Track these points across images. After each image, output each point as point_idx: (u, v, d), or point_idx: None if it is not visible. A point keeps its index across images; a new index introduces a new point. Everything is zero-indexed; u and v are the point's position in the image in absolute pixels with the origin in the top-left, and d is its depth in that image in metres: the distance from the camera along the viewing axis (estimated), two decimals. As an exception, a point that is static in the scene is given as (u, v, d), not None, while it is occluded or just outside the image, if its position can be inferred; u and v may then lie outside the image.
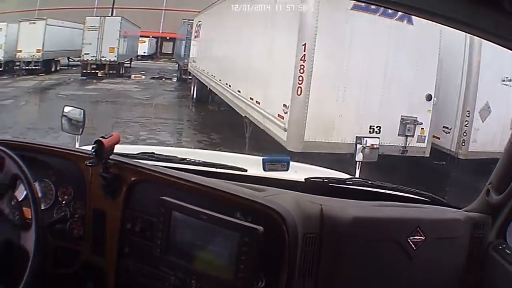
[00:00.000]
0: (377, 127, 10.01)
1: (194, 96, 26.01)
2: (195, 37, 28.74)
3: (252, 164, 3.21)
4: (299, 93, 9.65)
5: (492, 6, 1.38)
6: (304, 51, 9.56)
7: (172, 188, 2.45)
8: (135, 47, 46.50)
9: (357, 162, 3.83)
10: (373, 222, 2.50)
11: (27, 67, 34.35)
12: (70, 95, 24.91)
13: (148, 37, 54.70)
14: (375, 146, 3.75)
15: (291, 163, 3.17)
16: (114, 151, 2.58)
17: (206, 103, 24.11)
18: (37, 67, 34.41)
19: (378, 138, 3.90)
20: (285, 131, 9.99)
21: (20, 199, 2.58)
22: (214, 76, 19.74)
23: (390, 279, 2.51)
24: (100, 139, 2.45)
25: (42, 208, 2.57)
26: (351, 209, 2.50)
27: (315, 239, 2.34)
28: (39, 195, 2.56)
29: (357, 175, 3.73)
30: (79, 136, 3.57)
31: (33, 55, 34.27)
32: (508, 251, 2.62)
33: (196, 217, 2.21)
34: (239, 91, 14.38)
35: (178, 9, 47.76)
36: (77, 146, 3.43)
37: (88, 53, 34.99)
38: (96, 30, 35.14)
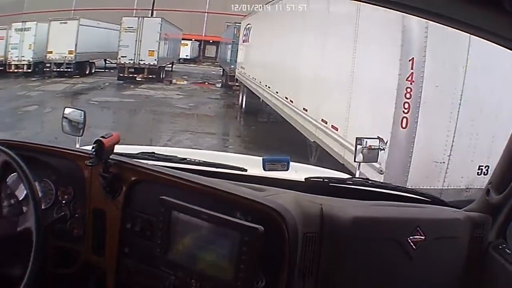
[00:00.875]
0: (485, 167, 7.36)
1: (243, 106, 23.41)
2: (243, 41, 25.88)
3: (252, 164, 3.22)
4: (404, 126, 7.12)
5: (492, 6, 1.37)
6: (412, 69, 6.98)
7: (172, 188, 2.46)
8: (176, 50, 44.46)
9: (357, 163, 3.82)
10: (373, 222, 2.50)
11: (58, 69, 32.62)
12: (103, 102, 22.95)
13: (191, 40, 53.43)
14: (373, 147, 3.76)
15: (291, 163, 3.17)
16: (114, 151, 2.58)
17: (257, 114, 20.93)
18: (69, 69, 32.61)
19: (377, 139, 3.87)
20: (381, 173, 7.35)
21: (21, 198, 2.62)
22: (268, 87, 16.90)
23: (390, 278, 2.51)
24: (100, 139, 2.46)
25: (42, 208, 2.58)
26: (351, 208, 2.50)
27: (315, 239, 2.34)
28: (39, 195, 2.57)
29: (357, 175, 3.71)
30: (79, 137, 3.59)
31: (65, 57, 32.39)
32: (508, 251, 2.61)
33: (196, 216, 2.21)
34: (305, 110, 11.52)
35: (222, 12, 44.94)
36: (77, 146, 3.41)
37: (125, 56, 32.82)
38: (133, 32, 32.88)
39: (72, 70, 32.73)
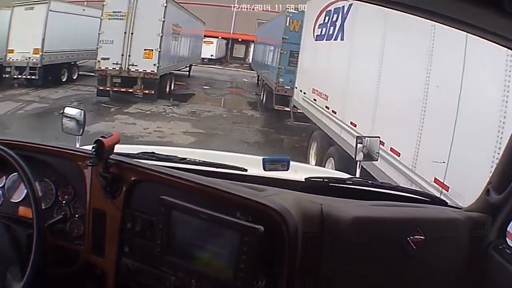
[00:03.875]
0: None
1: None
2: (317, 38, 13.39)
3: (252, 164, 3.22)
4: None
5: (492, 6, 1.37)
6: None
7: (172, 188, 2.46)
8: (196, 50, 33.81)
9: (357, 162, 3.84)
10: (373, 222, 2.50)
11: (20, 76, 22.47)
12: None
13: (217, 37, 47.42)
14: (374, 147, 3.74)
15: (291, 163, 3.17)
16: (114, 150, 2.58)
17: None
18: (33, 77, 22.35)
19: (379, 137, 3.85)
20: None
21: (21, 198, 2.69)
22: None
23: (390, 278, 2.51)
24: (100, 138, 2.45)
25: (43, 207, 2.59)
26: (351, 208, 2.50)
27: (315, 239, 2.34)
28: (40, 194, 2.58)
29: (357, 175, 3.73)
30: (79, 136, 3.60)
31: (29, 58, 22.16)
32: (508, 251, 2.62)
33: (196, 216, 2.22)
34: None
35: (252, 7, 38.01)
36: (77, 146, 3.42)
37: (107, 58, 20.94)
38: (121, 19, 20.87)
39: (36, 78, 22.49)
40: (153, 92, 21.59)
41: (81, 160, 2.68)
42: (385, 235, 2.49)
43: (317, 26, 13.57)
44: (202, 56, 40.27)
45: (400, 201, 2.87)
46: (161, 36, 21.40)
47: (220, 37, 48.59)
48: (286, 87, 18.94)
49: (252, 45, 39.61)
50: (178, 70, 28.32)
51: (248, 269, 2.12)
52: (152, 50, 21.27)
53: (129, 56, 21.06)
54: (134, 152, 3.03)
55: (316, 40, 13.76)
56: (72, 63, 25.83)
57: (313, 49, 14.26)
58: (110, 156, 2.57)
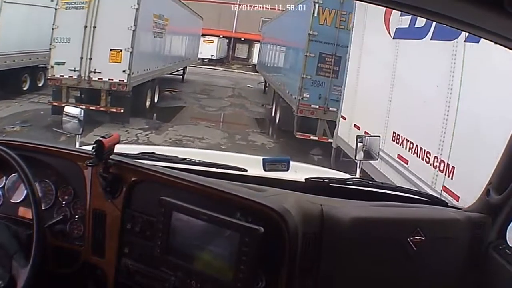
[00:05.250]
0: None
1: None
2: (402, 35, 7.45)
3: (252, 164, 3.21)
4: None
5: (492, 6, 1.36)
6: None
7: (172, 188, 2.46)
8: (192, 49, 28.13)
9: (358, 162, 3.84)
10: (373, 222, 2.50)
11: None
12: None
13: (218, 36, 44.37)
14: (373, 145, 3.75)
15: (292, 163, 3.16)
16: (114, 151, 2.58)
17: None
18: None
19: (379, 136, 3.85)
20: None
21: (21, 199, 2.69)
22: None
23: (390, 279, 2.51)
24: (100, 139, 2.45)
25: (43, 208, 2.58)
26: (351, 209, 2.50)
27: (315, 239, 2.34)
28: (40, 195, 2.58)
29: (357, 175, 3.73)
30: (79, 136, 3.60)
31: None
32: (508, 251, 2.61)
33: (196, 217, 2.22)
34: None
35: (253, 6, 35.70)
36: (77, 146, 3.44)
37: (62, 62, 15.05)
38: (82, 8, 15.00)
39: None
40: (122, 111, 15.48)
41: (81, 160, 2.68)
42: (385, 236, 2.49)
43: (398, 12, 7.42)
44: (201, 56, 36.86)
45: (400, 201, 2.86)
46: (134, 31, 15.11)
47: (221, 36, 45.73)
48: (313, 106, 13.66)
49: (257, 45, 36.55)
50: (171, 74, 23.83)
51: (248, 270, 2.12)
52: (121, 50, 15.13)
53: (90, 59, 15.10)
54: (134, 152, 3.02)
55: (395, 38, 7.90)
56: (40, 66, 19.50)
57: (387, 54, 8.12)
58: (110, 157, 2.57)
